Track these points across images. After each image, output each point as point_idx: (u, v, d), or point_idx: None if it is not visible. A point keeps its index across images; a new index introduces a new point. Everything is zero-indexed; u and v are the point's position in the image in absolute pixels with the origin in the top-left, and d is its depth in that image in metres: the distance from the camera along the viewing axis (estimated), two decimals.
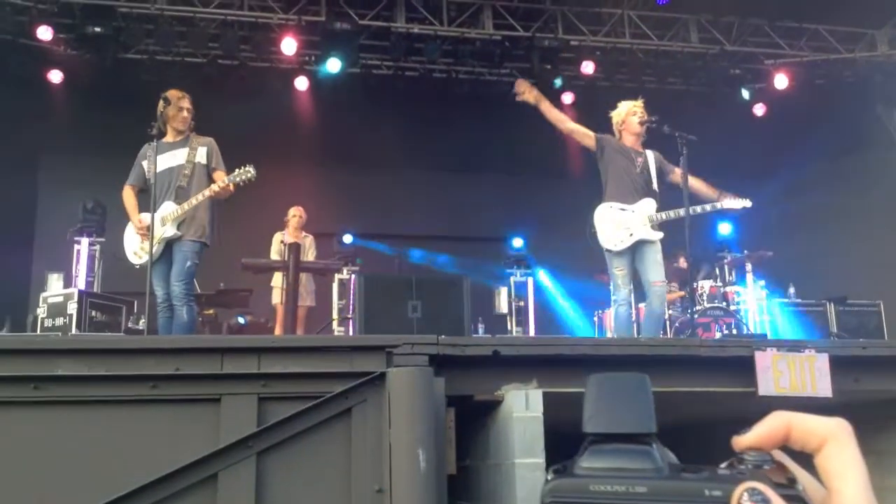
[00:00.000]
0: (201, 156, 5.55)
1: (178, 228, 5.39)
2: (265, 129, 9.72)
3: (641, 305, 7.46)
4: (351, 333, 7.75)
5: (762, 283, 8.83)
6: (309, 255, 8.42)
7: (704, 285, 8.14)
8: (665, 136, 5.61)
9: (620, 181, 5.62)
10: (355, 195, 10.89)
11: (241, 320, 8.60)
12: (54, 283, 7.75)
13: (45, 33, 9.21)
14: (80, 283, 8.12)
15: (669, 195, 5.81)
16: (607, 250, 5.57)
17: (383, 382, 3.04)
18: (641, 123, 5.69)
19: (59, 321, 6.97)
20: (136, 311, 7.57)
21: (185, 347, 3.14)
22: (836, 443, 0.51)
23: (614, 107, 5.92)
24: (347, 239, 10.24)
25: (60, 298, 7.11)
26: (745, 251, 8.86)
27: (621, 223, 5.54)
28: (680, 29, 10.59)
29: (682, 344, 4.14)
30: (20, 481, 2.87)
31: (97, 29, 9.11)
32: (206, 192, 5.39)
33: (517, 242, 10.29)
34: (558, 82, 10.49)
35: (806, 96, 10.65)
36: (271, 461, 2.97)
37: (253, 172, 5.45)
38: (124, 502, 2.78)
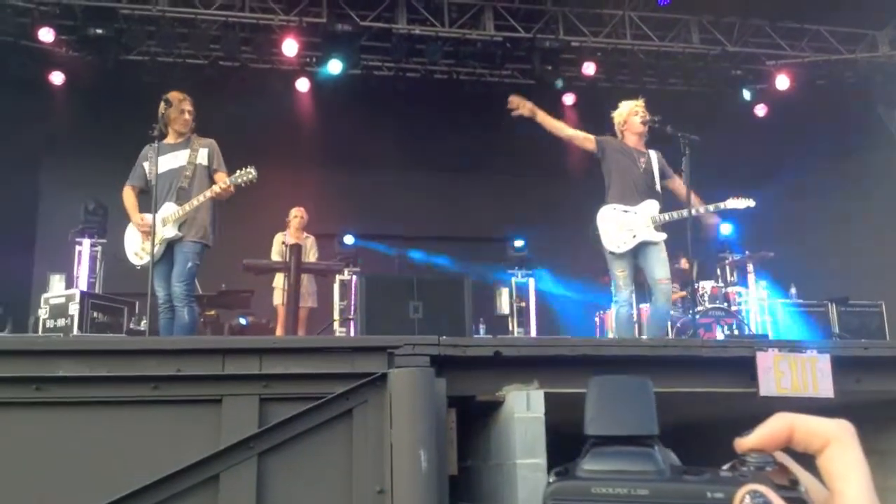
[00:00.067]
0: (202, 157, 5.55)
1: (179, 229, 5.39)
2: (266, 131, 9.73)
3: (643, 306, 7.47)
4: (352, 334, 7.75)
5: (764, 283, 8.82)
6: (310, 255, 8.42)
7: (706, 286, 8.14)
8: (667, 136, 5.60)
9: (623, 182, 5.61)
10: (356, 196, 10.90)
11: (242, 321, 8.60)
12: (56, 284, 7.76)
13: (46, 35, 9.23)
14: (82, 284, 8.13)
15: (671, 195, 5.80)
16: (610, 252, 5.56)
17: (384, 383, 3.04)
18: (644, 123, 5.68)
19: (61, 322, 6.97)
20: (137, 312, 7.57)
21: (186, 348, 3.14)
22: (839, 444, 0.51)
23: (615, 107, 5.91)
24: (349, 240, 10.25)
25: (62, 299, 7.12)
26: (747, 252, 8.86)
27: (624, 225, 5.52)
28: (681, 30, 10.59)
29: (684, 344, 4.14)
30: (21, 482, 2.87)
31: (99, 31, 9.12)
32: (208, 194, 5.39)
33: (518, 243, 10.28)
34: (559, 83, 10.48)
35: (807, 97, 10.65)
36: (272, 462, 2.97)
37: (254, 174, 5.45)
38: (126, 503, 2.78)
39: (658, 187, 5.68)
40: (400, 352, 3.11)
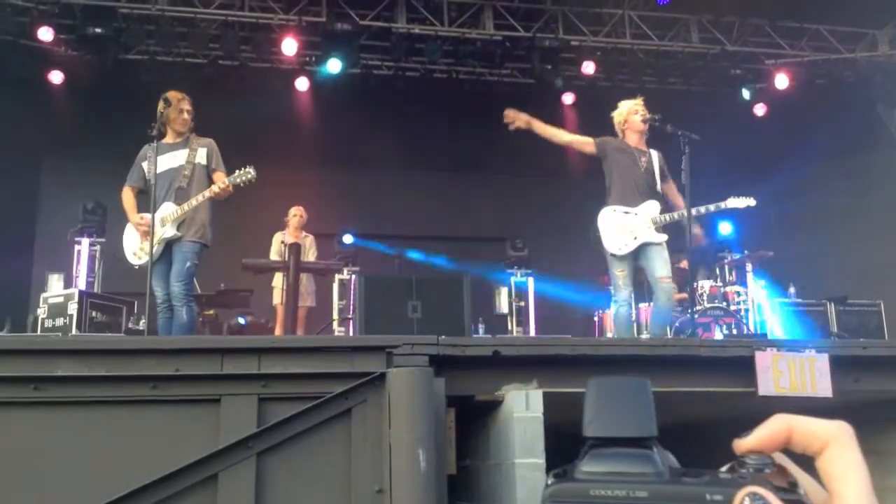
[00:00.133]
0: (201, 157, 5.55)
1: (177, 229, 5.38)
2: (266, 130, 9.73)
3: (643, 305, 7.47)
4: (351, 334, 7.75)
5: (763, 282, 8.82)
6: (309, 255, 8.42)
7: (705, 285, 8.14)
8: (668, 135, 5.60)
9: (624, 182, 5.60)
10: (355, 195, 10.90)
11: (241, 321, 8.60)
12: (55, 284, 7.76)
13: (45, 34, 9.22)
14: (81, 283, 8.13)
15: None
16: (611, 254, 5.56)
17: (383, 383, 3.04)
18: (644, 121, 5.68)
19: (60, 321, 6.97)
20: (136, 311, 7.57)
21: (185, 348, 3.14)
22: (838, 445, 0.51)
23: (615, 107, 5.91)
24: (348, 239, 10.24)
25: (61, 299, 7.12)
26: (746, 251, 8.86)
27: (625, 227, 5.52)
28: (680, 29, 10.59)
29: (683, 344, 4.14)
30: (20, 482, 2.87)
31: (98, 30, 9.11)
32: (207, 193, 5.39)
33: (517, 244, 10.29)
34: (559, 82, 10.48)
35: (806, 96, 10.65)
36: (271, 461, 2.97)
37: (253, 174, 5.44)
38: (124, 503, 2.78)
39: (659, 188, 5.68)
40: (399, 351, 3.11)
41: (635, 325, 6.79)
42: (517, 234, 10.47)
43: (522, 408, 3.17)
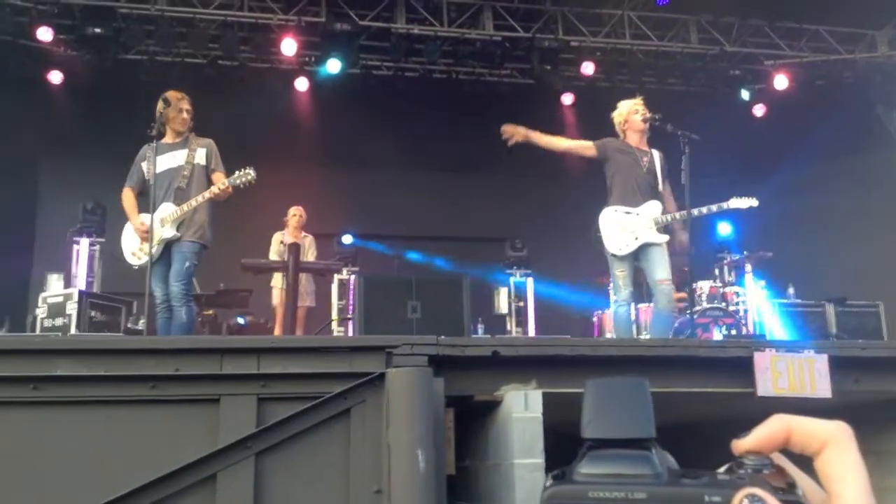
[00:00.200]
0: (200, 157, 5.55)
1: (176, 230, 5.38)
2: (265, 130, 9.73)
3: (642, 306, 7.47)
4: (350, 334, 7.75)
5: (762, 283, 8.83)
6: (309, 254, 8.42)
7: (704, 286, 8.14)
8: (668, 134, 5.60)
9: (625, 183, 5.60)
10: (355, 196, 10.90)
11: (240, 321, 8.60)
12: (54, 284, 7.76)
13: (45, 34, 9.22)
14: (80, 283, 8.13)
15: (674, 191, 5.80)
16: (612, 254, 5.56)
17: (382, 383, 3.04)
18: (644, 121, 5.68)
19: (59, 321, 6.97)
20: (135, 311, 7.57)
21: (184, 348, 3.14)
22: (837, 446, 0.51)
23: (615, 108, 5.91)
24: (347, 239, 10.25)
25: (60, 298, 7.12)
26: (745, 252, 8.86)
27: (626, 227, 5.52)
28: (680, 30, 10.59)
29: (682, 344, 4.14)
30: (19, 481, 2.87)
31: (97, 30, 9.12)
32: (206, 194, 5.39)
33: (517, 244, 10.29)
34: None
35: (806, 97, 10.66)
36: (270, 462, 2.96)
37: (253, 174, 5.44)
38: (123, 503, 2.78)
39: (661, 188, 5.68)
40: (398, 351, 3.11)
41: (634, 325, 6.79)
42: (516, 234, 10.47)
43: (521, 408, 3.17)
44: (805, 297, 8.75)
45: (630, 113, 5.77)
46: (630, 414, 0.54)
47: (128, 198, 5.60)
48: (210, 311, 8.29)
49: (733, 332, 7.70)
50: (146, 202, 5.47)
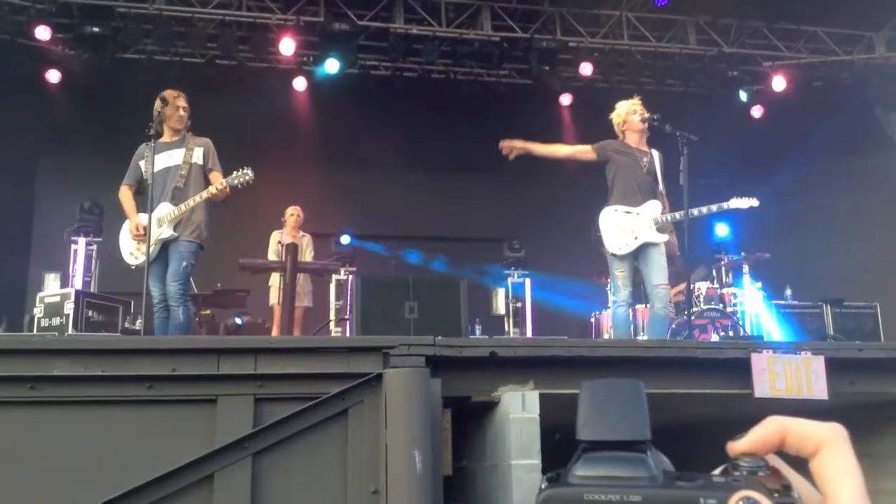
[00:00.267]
0: (198, 156, 5.54)
1: (174, 229, 5.37)
2: (263, 130, 9.73)
3: (639, 307, 7.47)
4: (348, 334, 7.75)
5: (759, 284, 8.83)
6: (306, 254, 8.41)
7: (701, 287, 8.14)
8: (666, 135, 5.61)
9: (626, 183, 5.60)
10: (353, 196, 10.90)
11: (238, 321, 8.59)
12: (51, 283, 7.75)
13: (43, 33, 9.21)
14: (77, 283, 8.12)
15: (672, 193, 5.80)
16: (612, 254, 5.57)
17: (380, 383, 3.04)
18: (643, 121, 5.69)
19: (56, 321, 6.96)
20: (132, 311, 7.56)
21: (181, 348, 3.14)
22: (832, 448, 0.51)
23: (613, 108, 5.91)
24: (345, 239, 10.24)
25: (57, 298, 7.10)
26: (743, 253, 8.87)
27: (626, 227, 5.53)
28: (678, 31, 10.60)
29: (679, 345, 4.14)
30: (16, 481, 2.87)
31: (95, 29, 9.11)
32: (204, 194, 5.38)
33: (515, 244, 10.30)
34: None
35: (804, 98, 10.67)
36: (267, 462, 2.96)
37: (251, 175, 5.43)
38: (120, 503, 2.77)
39: (661, 188, 5.69)
40: (395, 352, 3.11)
41: (632, 326, 6.78)
42: (514, 234, 10.47)
43: (519, 409, 3.18)
44: (802, 299, 8.75)
45: (628, 113, 5.77)
46: (625, 416, 0.54)
47: (126, 196, 5.59)
48: (207, 311, 8.28)
49: (731, 333, 7.71)
50: (143, 200, 5.46)
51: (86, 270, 8.33)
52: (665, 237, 5.59)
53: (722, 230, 9.76)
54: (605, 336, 8.16)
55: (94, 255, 8.41)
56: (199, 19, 9.54)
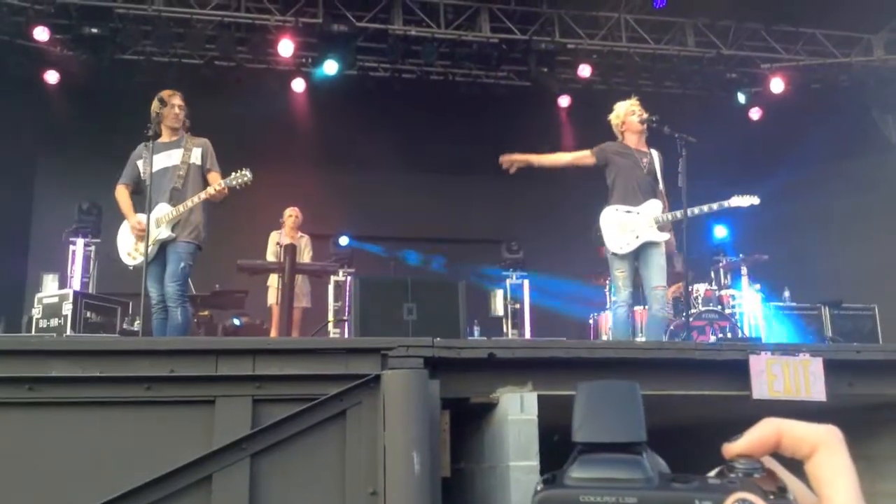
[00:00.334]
0: (196, 157, 5.53)
1: (172, 230, 5.37)
2: (262, 131, 9.73)
3: (637, 308, 7.47)
4: (346, 335, 7.75)
5: (757, 286, 8.84)
6: (305, 255, 8.41)
7: (700, 288, 8.15)
8: (665, 136, 5.62)
9: (626, 184, 5.61)
10: (351, 197, 10.90)
11: (236, 322, 8.59)
12: (49, 284, 7.74)
13: (41, 34, 9.20)
14: (75, 283, 8.11)
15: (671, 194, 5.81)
16: (613, 253, 5.57)
17: (378, 385, 3.04)
18: (641, 122, 5.69)
19: (54, 322, 6.95)
20: (130, 312, 7.56)
21: (179, 349, 3.14)
22: (827, 450, 0.51)
23: (611, 110, 5.92)
24: (343, 241, 10.24)
25: (55, 299, 7.09)
26: (741, 255, 8.87)
27: (627, 226, 5.54)
28: (676, 33, 10.61)
29: (677, 347, 4.14)
30: (14, 482, 2.86)
31: (94, 30, 9.11)
32: (202, 195, 5.38)
33: (513, 246, 10.30)
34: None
35: (802, 100, 10.68)
36: (265, 463, 2.96)
37: (249, 176, 5.43)
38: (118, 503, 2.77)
39: (661, 187, 5.70)
40: (394, 353, 3.11)
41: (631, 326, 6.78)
42: (513, 236, 10.47)
43: (517, 410, 3.17)
44: (800, 300, 8.76)
45: (627, 114, 5.78)
46: (621, 418, 0.54)
47: (123, 195, 5.58)
48: (206, 312, 8.27)
49: (729, 335, 7.71)
50: (140, 200, 5.46)
51: (84, 271, 8.32)
52: (666, 236, 5.60)
53: (720, 232, 9.77)
54: (604, 337, 8.16)
55: (92, 255, 8.41)
56: (197, 20, 9.54)
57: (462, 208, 11.56)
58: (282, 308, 7.40)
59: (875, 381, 3.64)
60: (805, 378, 3.46)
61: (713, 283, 8.54)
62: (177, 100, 5.58)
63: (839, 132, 10.22)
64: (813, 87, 10.90)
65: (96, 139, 9.24)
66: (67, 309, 6.92)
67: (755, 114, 11.16)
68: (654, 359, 3.49)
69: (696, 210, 5.65)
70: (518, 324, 9.81)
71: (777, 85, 10.60)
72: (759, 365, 3.45)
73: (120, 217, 5.64)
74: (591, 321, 8.93)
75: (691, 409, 4.02)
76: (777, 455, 0.53)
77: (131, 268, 5.57)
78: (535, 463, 3.08)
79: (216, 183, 5.41)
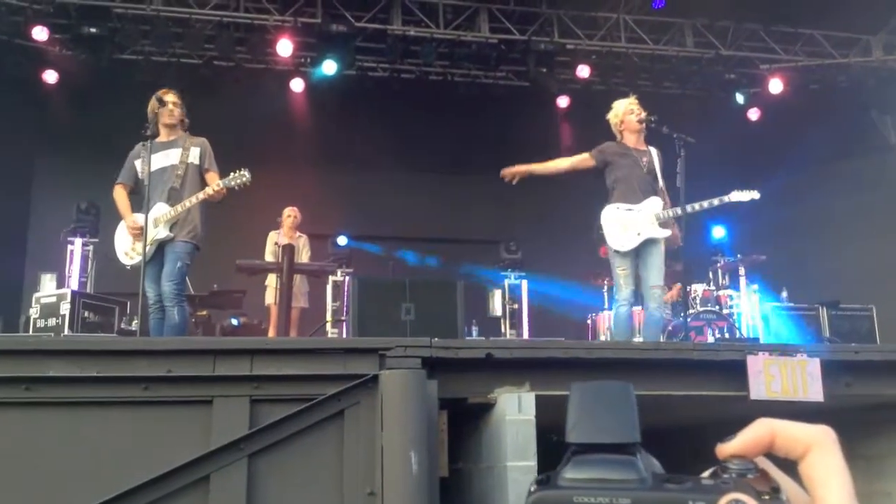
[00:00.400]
0: (194, 156, 5.52)
1: (170, 230, 5.36)
2: (260, 131, 9.72)
3: (637, 309, 7.48)
4: (344, 336, 7.74)
5: (755, 286, 8.84)
6: (303, 255, 8.41)
7: (698, 289, 8.16)
8: (664, 136, 5.62)
9: (626, 183, 5.61)
10: (350, 197, 10.89)
11: (234, 322, 8.58)
12: (47, 284, 7.73)
13: (40, 34, 9.20)
14: (73, 283, 8.10)
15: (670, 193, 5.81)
16: (615, 251, 5.58)
17: (376, 385, 3.04)
18: (640, 121, 5.69)
19: (52, 322, 6.94)
20: (128, 312, 7.55)
21: (177, 349, 3.14)
22: (820, 450, 0.52)
23: (610, 110, 5.92)
24: (342, 240, 10.24)
25: (53, 299, 7.09)
26: (739, 255, 8.88)
27: (629, 224, 5.54)
28: (675, 33, 10.62)
29: (675, 348, 4.14)
30: (11, 482, 2.86)
31: (93, 29, 9.10)
32: (200, 195, 5.36)
33: (511, 246, 10.30)
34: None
35: (800, 101, 10.69)
36: (263, 463, 2.96)
37: (248, 176, 5.40)
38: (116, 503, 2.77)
39: (661, 184, 5.70)
40: (392, 353, 3.11)
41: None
42: (511, 236, 10.47)
43: (515, 410, 3.18)
44: (798, 301, 8.76)
45: (625, 113, 5.78)
46: (615, 418, 0.54)
47: (121, 195, 5.57)
48: (203, 312, 8.27)
49: (727, 335, 7.72)
50: (137, 200, 5.45)
51: (82, 271, 8.32)
52: (667, 232, 5.60)
53: (718, 232, 9.78)
54: (602, 338, 8.16)
55: (90, 255, 8.40)
56: (196, 20, 9.54)
57: (461, 208, 11.56)
58: (280, 308, 7.40)
59: (872, 381, 3.64)
60: (802, 379, 3.46)
61: (711, 284, 8.54)
62: (171, 97, 5.57)
63: (838, 133, 10.22)
64: (811, 87, 10.91)
65: (95, 139, 9.23)
66: (65, 309, 6.91)
67: (754, 114, 11.17)
68: (652, 359, 3.49)
69: (697, 206, 5.64)
70: (516, 324, 9.81)
71: (776, 85, 10.61)
72: (756, 365, 3.45)
73: (118, 217, 5.63)
74: (589, 321, 8.93)
75: (689, 410, 4.02)
76: (771, 455, 0.53)
77: (129, 267, 5.56)
78: (532, 463, 3.08)
79: (214, 183, 5.39)
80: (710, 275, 8.74)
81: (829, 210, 10.74)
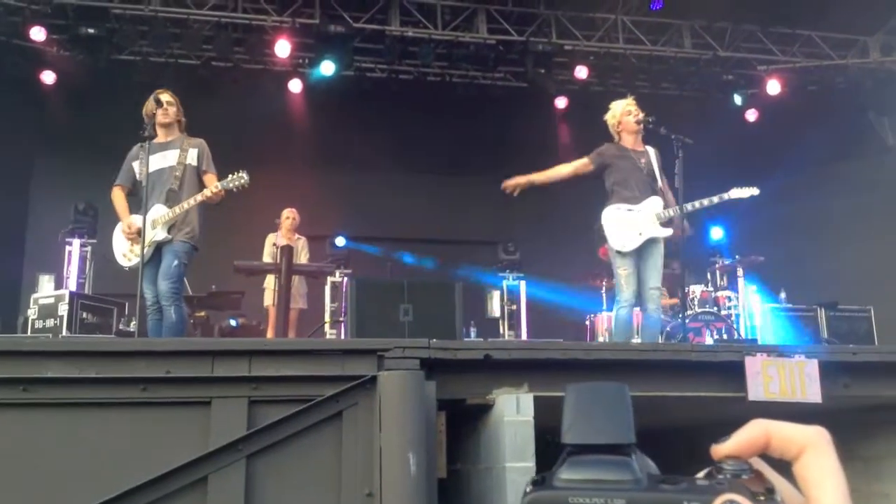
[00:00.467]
0: (192, 157, 5.51)
1: (168, 232, 5.36)
2: (259, 132, 9.72)
3: (634, 310, 7.48)
4: (342, 337, 7.74)
5: (753, 287, 8.85)
6: (302, 256, 8.41)
7: (696, 290, 8.16)
8: (662, 137, 5.62)
9: (626, 185, 5.62)
10: (348, 198, 10.89)
11: (232, 323, 8.57)
12: (45, 285, 7.72)
13: (38, 34, 9.19)
14: (72, 284, 8.10)
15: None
16: (616, 251, 5.58)
17: (374, 386, 3.04)
18: (638, 122, 5.69)
19: (50, 323, 6.93)
20: (126, 313, 7.54)
21: (175, 350, 3.14)
22: (815, 451, 0.52)
23: (607, 111, 5.92)
24: (340, 241, 10.23)
25: (51, 300, 7.08)
26: (737, 256, 8.88)
27: (630, 223, 5.55)
28: (673, 34, 10.63)
29: (674, 349, 4.15)
30: (8, 483, 2.86)
31: (90, 30, 9.10)
32: (199, 197, 5.35)
33: (510, 247, 10.30)
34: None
35: (798, 102, 10.70)
36: (261, 465, 2.96)
37: (246, 178, 5.40)
38: None
39: (660, 184, 5.70)
40: (390, 354, 3.11)
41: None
42: (509, 237, 10.48)
43: (513, 411, 3.18)
44: (797, 302, 8.77)
45: (623, 114, 5.78)
46: (610, 419, 0.54)
47: (119, 197, 5.56)
48: (202, 313, 8.26)
49: (725, 336, 7.72)
50: (136, 201, 5.44)
51: (80, 272, 8.31)
52: (669, 231, 5.60)
53: (717, 233, 9.78)
54: (600, 339, 8.16)
55: (88, 256, 8.40)
56: (194, 21, 9.54)
57: (459, 209, 11.55)
58: (278, 309, 7.40)
59: (870, 382, 3.65)
60: (801, 380, 3.47)
61: (709, 285, 8.55)
62: (165, 96, 5.56)
63: (835, 134, 10.24)
64: (809, 88, 10.92)
65: (93, 139, 9.22)
66: (63, 310, 6.90)
67: (752, 115, 11.18)
68: (651, 360, 3.50)
69: (697, 203, 5.65)
70: (514, 325, 9.82)
71: (773, 87, 10.62)
72: (754, 366, 3.45)
73: (116, 218, 5.63)
74: (587, 322, 8.93)
75: (687, 411, 4.03)
76: (765, 456, 0.53)
77: (127, 269, 5.55)
78: (531, 464, 3.08)
79: (212, 185, 5.39)
80: (709, 276, 8.75)
81: (827, 211, 10.75)
